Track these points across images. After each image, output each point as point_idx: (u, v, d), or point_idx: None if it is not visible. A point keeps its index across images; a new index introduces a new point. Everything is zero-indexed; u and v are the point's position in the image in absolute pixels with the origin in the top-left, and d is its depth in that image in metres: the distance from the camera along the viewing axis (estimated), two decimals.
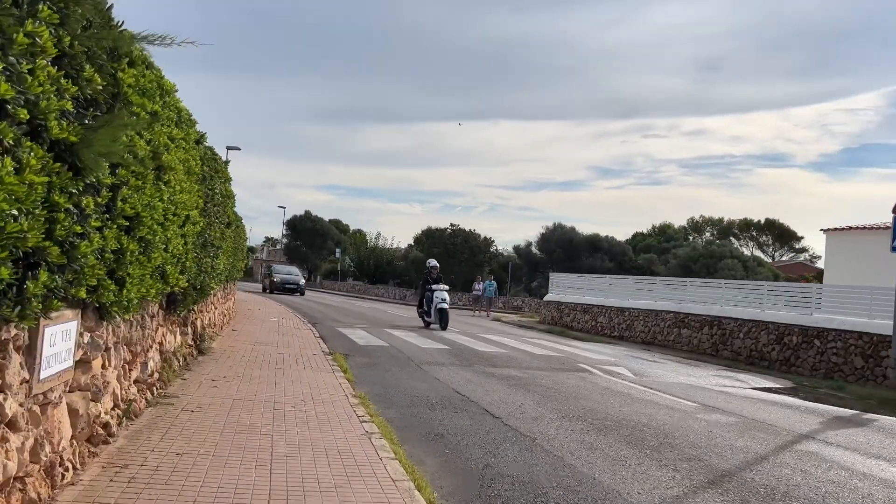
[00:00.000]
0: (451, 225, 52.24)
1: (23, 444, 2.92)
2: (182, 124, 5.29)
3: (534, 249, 62.58)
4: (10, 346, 2.75)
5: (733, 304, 18.82)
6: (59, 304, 2.97)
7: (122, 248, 3.70)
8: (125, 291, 3.79)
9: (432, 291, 18.90)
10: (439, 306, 18.48)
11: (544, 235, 62.39)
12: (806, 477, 5.71)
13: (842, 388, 13.23)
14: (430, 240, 51.59)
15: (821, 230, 26.90)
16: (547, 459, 5.58)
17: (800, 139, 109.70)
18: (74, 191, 2.86)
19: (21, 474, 2.92)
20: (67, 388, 3.63)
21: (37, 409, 3.12)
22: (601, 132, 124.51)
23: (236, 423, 5.47)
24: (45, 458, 3.19)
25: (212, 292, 9.34)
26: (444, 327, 18.24)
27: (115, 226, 3.53)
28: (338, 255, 60.25)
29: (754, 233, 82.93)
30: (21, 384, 2.87)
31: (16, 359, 2.80)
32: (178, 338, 7.68)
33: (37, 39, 2.43)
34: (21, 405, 2.89)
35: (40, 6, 2.48)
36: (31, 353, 2.97)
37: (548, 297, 29.28)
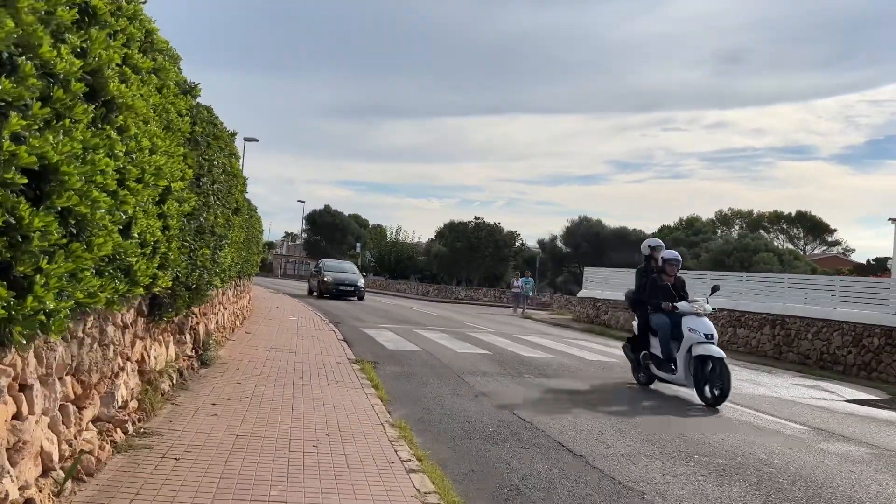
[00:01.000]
0: (476, 218, 50.53)
1: None
2: (154, 53, 3.72)
3: (559, 243, 60.71)
4: None
5: (798, 301, 16.97)
6: None
7: (22, 223, 2.12)
8: (31, 300, 2.22)
9: (678, 316, 8.98)
10: (702, 351, 8.56)
11: (569, 229, 60.47)
12: None
13: None
14: (452, 233, 49.95)
15: (889, 220, 24.88)
16: None
17: (823, 131, 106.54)
18: None
19: None
20: None
21: None
22: (621, 126, 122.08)
23: (236, 480, 3.90)
24: None
25: (214, 291, 7.83)
26: (717, 402, 8.28)
27: None
28: (358, 249, 58.85)
29: (784, 225, 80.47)
30: None
31: None
32: (172, 349, 6.14)
33: None
34: None
35: None
36: None
37: (582, 294, 27.53)
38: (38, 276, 2.26)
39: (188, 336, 6.86)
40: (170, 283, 4.44)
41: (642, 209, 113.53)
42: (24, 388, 2.73)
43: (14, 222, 2.11)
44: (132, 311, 4.47)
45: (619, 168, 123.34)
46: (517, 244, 50.35)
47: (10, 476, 2.54)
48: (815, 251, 76.12)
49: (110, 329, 3.90)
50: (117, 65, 2.96)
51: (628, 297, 10.32)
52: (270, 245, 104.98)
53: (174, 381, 5.99)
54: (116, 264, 3.21)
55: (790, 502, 4.65)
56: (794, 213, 78.70)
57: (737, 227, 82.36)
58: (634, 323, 10.05)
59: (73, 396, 3.41)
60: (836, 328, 15.30)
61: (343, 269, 30.80)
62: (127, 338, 4.38)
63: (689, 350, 8.72)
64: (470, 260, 48.28)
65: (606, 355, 13.38)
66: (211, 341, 8.11)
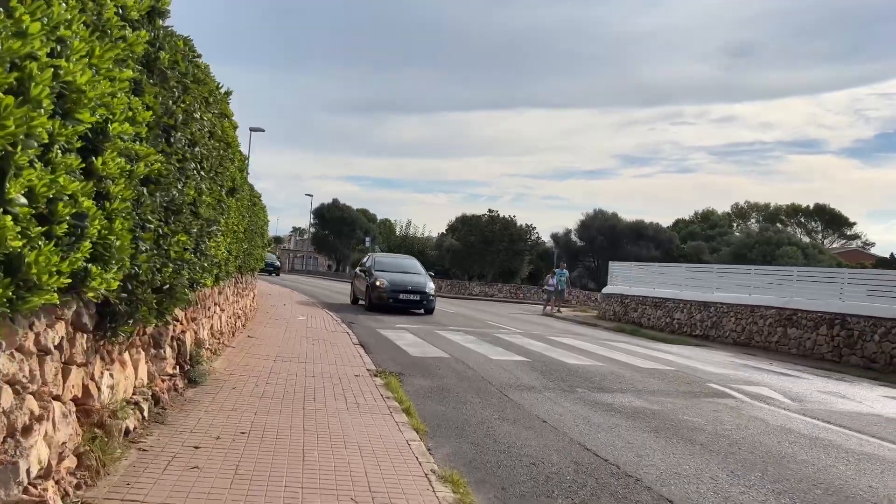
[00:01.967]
0: (490, 211, 48.80)
1: None
2: None
3: (573, 237, 58.94)
4: None
5: (859, 298, 15.30)
6: None
7: None
8: None
9: None
10: None
11: (584, 222, 58.68)
12: None
13: None
14: (465, 227, 48.25)
15: None
16: None
17: (832, 125, 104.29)
18: None
19: None
20: None
21: None
22: (628, 120, 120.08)
23: None
24: None
25: (207, 291, 6.30)
26: None
27: None
28: (367, 243, 57.31)
29: (802, 219, 78.73)
30: None
31: None
32: (143, 370, 4.60)
33: None
34: None
35: None
36: None
37: (607, 290, 25.89)
38: None
39: (168, 349, 5.31)
40: (116, 286, 2.88)
41: (650, 203, 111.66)
42: None
43: None
44: (61, 326, 2.92)
45: (626, 162, 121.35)
46: (533, 238, 48.54)
47: None
48: (834, 245, 74.31)
49: (3, 361, 2.35)
50: None
51: None
52: (278, 240, 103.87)
53: (145, 414, 4.45)
54: None
55: None
56: (811, 206, 76.97)
57: (753, 221, 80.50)
58: None
59: None
60: None
61: (402, 268, 20.03)
62: (49, 369, 2.83)
63: None
64: (484, 254, 46.60)
65: (657, 361, 11.78)
66: (202, 353, 6.57)
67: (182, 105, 3.67)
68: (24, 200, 1.88)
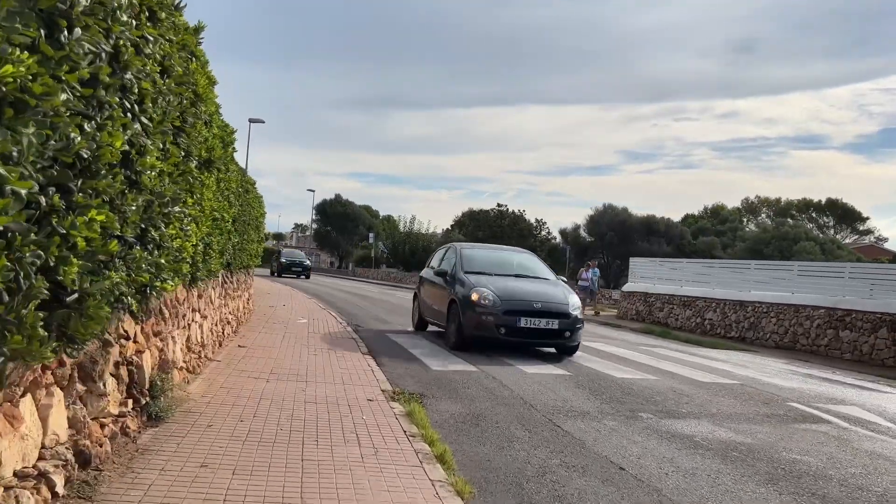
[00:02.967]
0: (498, 205, 47.18)
1: None
2: None
3: (582, 233, 57.32)
4: None
5: None
6: None
7: None
8: None
9: None
10: None
11: (593, 217, 57.08)
12: None
13: None
14: (473, 222, 46.69)
15: None
16: None
17: (836, 120, 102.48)
18: None
19: None
20: None
21: None
22: (631, 116, 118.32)
23: None
24: None
25: (175, 295, 4.74)
26: None
27: None
28: (371, 240, 55.75)
29: (814, 214, 77.25)
30: None
31: None
32: (58, 419, 3.06)
33: None
34: None
35: None
36: None
37: (628, 287, 24.30)
38: None
39: (111, 381, 3.76)
40: None
41: (654, 199, 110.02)
42: None
43: None
44: None
45: (629, 158, 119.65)
46: (543, 233, 46.94)
47: None
48: (846, 240, 72.72)
49: None
50: None
51: None
52: (279, 236, 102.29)
53: (58, 489, 2.90)
54: None
55: None
56: (823, 201, 75.49)
57: (763, 216, 78.89)
58: None
59: None
60: None
61: (513, 268, 11.77)
62: None
63: None
64: None
65: (712, 372, 10.21)
66: (170, 376, 5.02)
67: (144, 45, 2.14)
68: None
